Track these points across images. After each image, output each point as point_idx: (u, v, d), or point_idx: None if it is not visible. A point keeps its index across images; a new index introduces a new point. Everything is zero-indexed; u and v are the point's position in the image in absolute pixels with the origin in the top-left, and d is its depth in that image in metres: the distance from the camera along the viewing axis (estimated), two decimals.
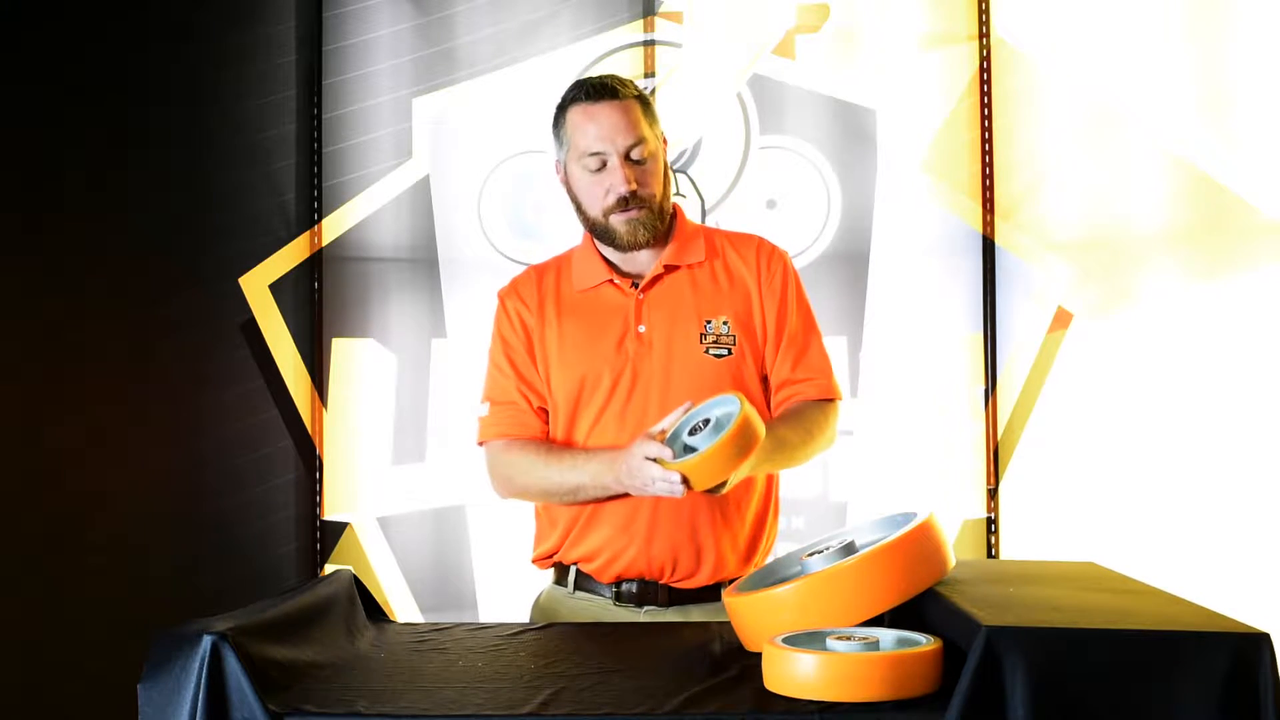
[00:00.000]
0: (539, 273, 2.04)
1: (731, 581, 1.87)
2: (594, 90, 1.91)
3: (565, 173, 1.97)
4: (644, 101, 1.94)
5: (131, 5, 3.09)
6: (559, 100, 1.98)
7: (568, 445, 1.94)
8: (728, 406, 1.69)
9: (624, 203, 1.89)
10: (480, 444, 2.00)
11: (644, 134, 1.90)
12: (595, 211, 1.92)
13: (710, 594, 1.89)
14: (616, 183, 1.89)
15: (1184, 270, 3.08)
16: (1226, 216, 3.06)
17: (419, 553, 3.21)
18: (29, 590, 2.86)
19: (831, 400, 1.97)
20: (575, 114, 1.93)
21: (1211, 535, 3.01)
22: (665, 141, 2.00)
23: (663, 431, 1.72)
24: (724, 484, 1.69)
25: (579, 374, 1.92)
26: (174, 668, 1.26)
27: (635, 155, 1.90)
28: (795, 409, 1.93)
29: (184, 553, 3.04)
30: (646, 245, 1.94)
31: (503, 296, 2.03)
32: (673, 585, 1.89)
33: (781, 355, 1.96)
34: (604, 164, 1.90)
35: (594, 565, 1.91)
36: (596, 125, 1.89)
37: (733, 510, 1.90)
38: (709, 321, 1.93)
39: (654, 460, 1.68)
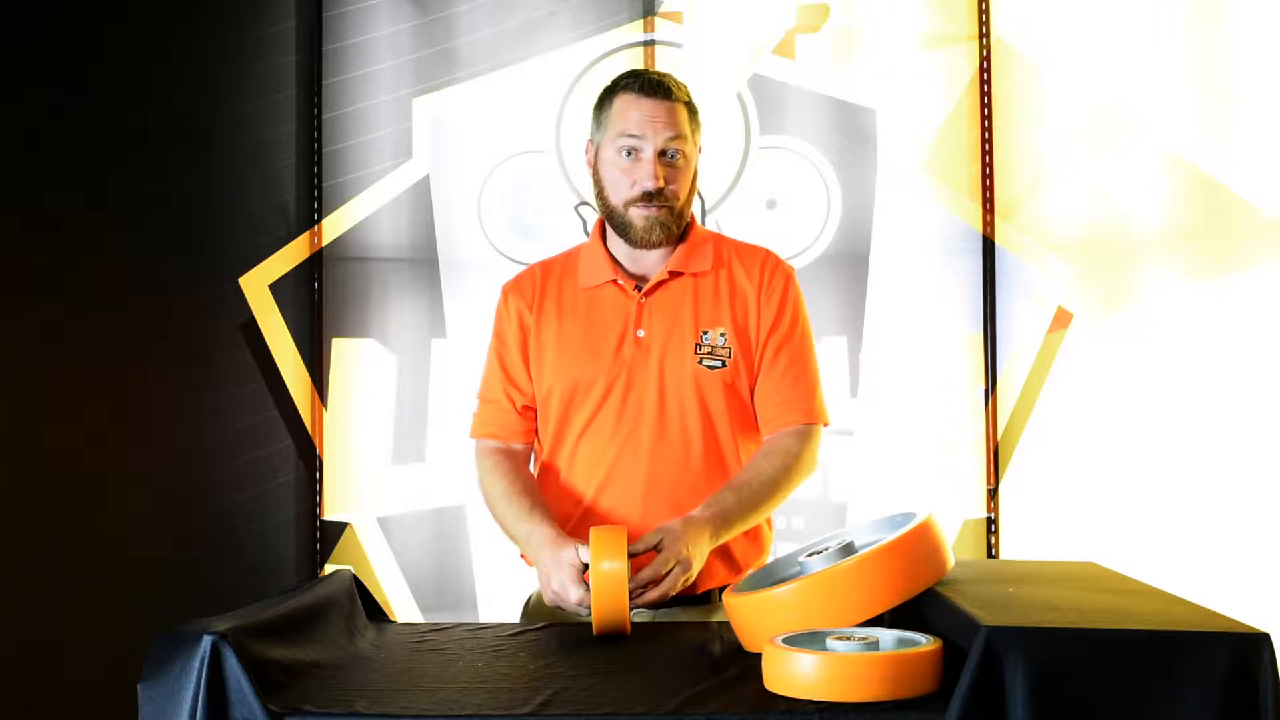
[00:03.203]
0: (544, 269, 2.04)
1: (724, 587, 1.88)
2: (649, 85, 1.90)
3: (596, 155, 1.96)
4: (692, 110, 1.94)
5: (132, 5, 3.09)
6: (609, 82, 1.96)
7: (553, 455, 1.97)
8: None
9: (648, 197, 1.88)
10: (475, 441, 2.05)
11: (684, 133, 1.90)
12: (617, 200, 1.92)
13: (700, 598, 1.89)
14: (644, 175, 1.88)
15: (1184, 270, 3.08)
16: (1226, 216, 3.06)
17: (419, 553, 3.21)
18: (29, 590, 2.86)
19: (813, 424, 1.95)
20: (624, 100, 1.91)
21: (1211, 535, 3.01)
22: (699, 148, 1.98)
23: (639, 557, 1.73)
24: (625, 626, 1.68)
25: (574, 375, 1.92)
26: (174, 668, 1.26)
27: (670, 154, 1.89)
28: (768, 451, 1.92)
29: (184, 553, 3.04)
30: (659, 246, 1.93)
31: (505, 290, 2.04)
32: None
33: (768, 371, 1.94)
34: (638, 155, 1.89)
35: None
36: (641, 115, 1.88)
37: None
38: (705, 332, 1.92)
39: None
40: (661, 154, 1.89)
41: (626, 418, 1.90)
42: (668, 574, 1.71)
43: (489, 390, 2.03)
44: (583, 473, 1.93)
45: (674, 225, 1.92)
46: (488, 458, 2.00)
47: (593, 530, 1.65)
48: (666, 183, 1.89)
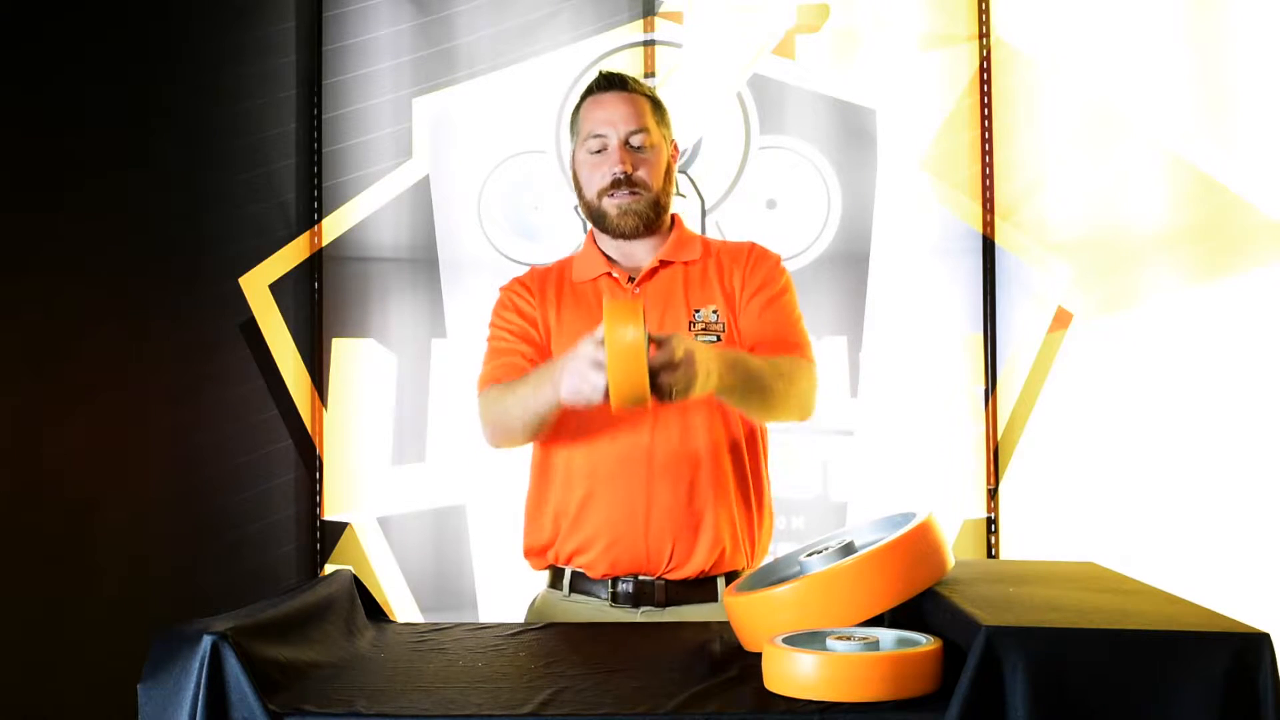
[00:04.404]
0: (542, 270, 2.09)
1: (729, 575, 1.91)
2: (606, 81, 2.00)
3: (574, 163, 2.03)
4: (655, 103, 2.02)
5: (131, 6, 3.09)
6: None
7: (556, 438, 1.97)
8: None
9: (617, 184, 1.94)
10: (479, 394, 1.98)
11: (647, 125, 1.97)
12: (591, 193, 1.98)
13: (706, 591, 1.90)
14: (612, 163, 1.94)
15: (1184, 270, 3.08)
16: (1226, 216, 3.06)
17: (419, 553, 3.21)
18: (29, 590, 2.86)
19: (808, 360, 1.94)
20: (588, 104, 2.01)
21: (1211, 535, 3.01)
22: (676, 148, 2.05)
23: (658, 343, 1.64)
24: (645, 399, 1.59)
25: None
26: (174, 668, 1.26)
27: (635, 142, 1.96)
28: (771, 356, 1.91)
29: (184, 553, 3.04)
30: (635, 234, 1.97)
31: (503, 288, 2.08)
32: (669, 578, 1.90)
33: (753, 323, 1.95)
34: (604, 147, 1.96)
35: (590, 556, 1.92)
36: (603, 111, 1.97)
37: (725, 486, 1.92)
38: (698, 310, 1.96)
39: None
40: (626, 143, 1.95)
41: None
42: (674, 364, 1.63)
43: (497, 349, 2.00)
44: (584, 456, 1.94)
45: (648, 212, 1.96)
46: (488, 389, 1.95)
47: (606, 302, 1.60)
48: (634, 168, 1.95)
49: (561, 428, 1.96)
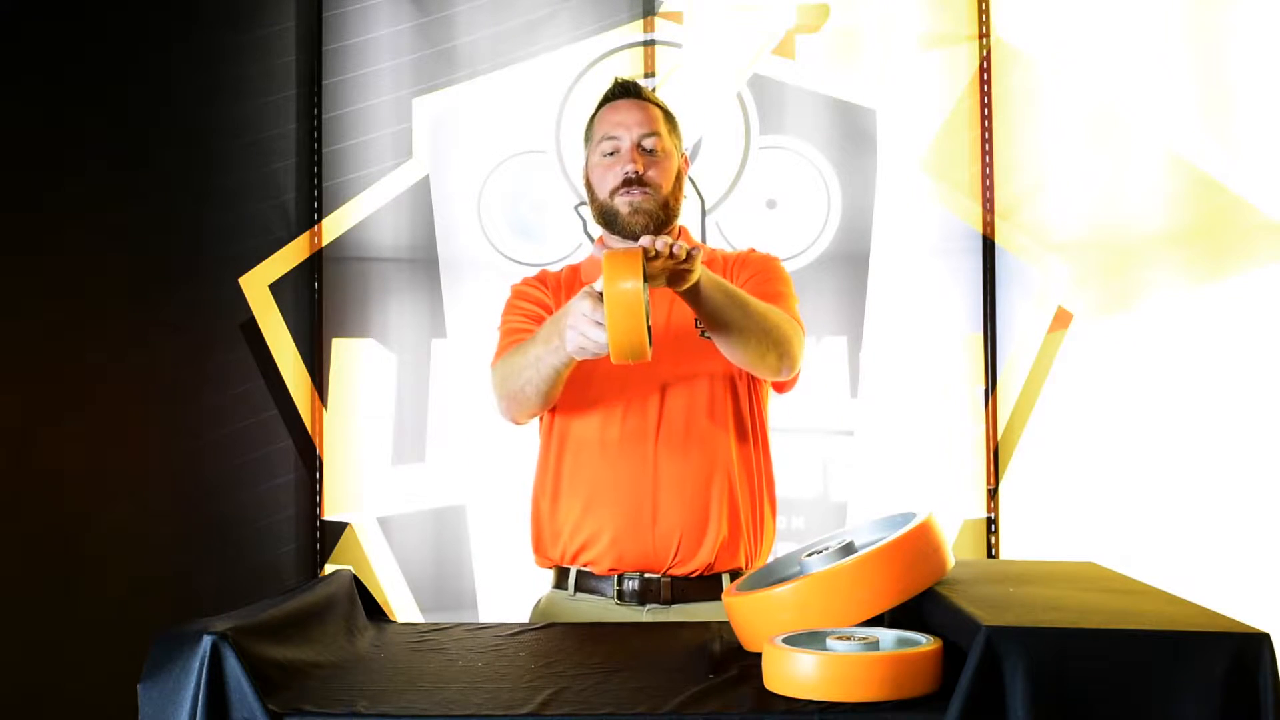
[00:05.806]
0: (553, 272, 2.13)
1: (733, 573, 1.92)
2: (621, 89, 2.06)
3: (587, 169, 2.06)
4: (667, 114, 2.06)
5: (131, 5, 3.09)
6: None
7: (565, 431, 1.99)
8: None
9: (629, 182, 1.96)
10: (492, 369, 1.99)
11: (658, 130, 2.01)
12: (604, 193, 2.00)
13: (711, 587, 1.91)
14: (625, 163, 1.98)
15: (1184, 270, 3.08)
16: (1226, 216, 3.06)
17: (419, 553, 3.21)
18: (29, 590, 2.86)
19: (795, 318, 1.94)
20: (603, 111, 2.05)
21: (1211, 535, 3.01)
22: (687, 161, 2.10)
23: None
24: (646, 348, 1.60)
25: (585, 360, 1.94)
26: (174, 668, 1.26)
27: (647, 145, 2.00)
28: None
29: (184, 553, 3.04)
30: (644, 232, 1.96)
31: (515, 285, 2.11)
32: (674, 574, 1.90)
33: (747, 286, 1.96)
34: (617, 149, 1.99)
35: (595, 552, 1.92)
36: (616, 115, 2.02)
37: (730, 480, 1.93)
38: None
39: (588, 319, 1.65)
40: (639, 146, 1.99)
41: (636, 394, 1.93)
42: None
43: (510, 329, 2.01)
44: (589, 451, 1.95)
45: (659, 211, 1.98)
46: (499, 360, 1.95)
47: (605, 254, 1.59)
48: (645, 168, 1.98)
49: (571, 419, 1.97)
